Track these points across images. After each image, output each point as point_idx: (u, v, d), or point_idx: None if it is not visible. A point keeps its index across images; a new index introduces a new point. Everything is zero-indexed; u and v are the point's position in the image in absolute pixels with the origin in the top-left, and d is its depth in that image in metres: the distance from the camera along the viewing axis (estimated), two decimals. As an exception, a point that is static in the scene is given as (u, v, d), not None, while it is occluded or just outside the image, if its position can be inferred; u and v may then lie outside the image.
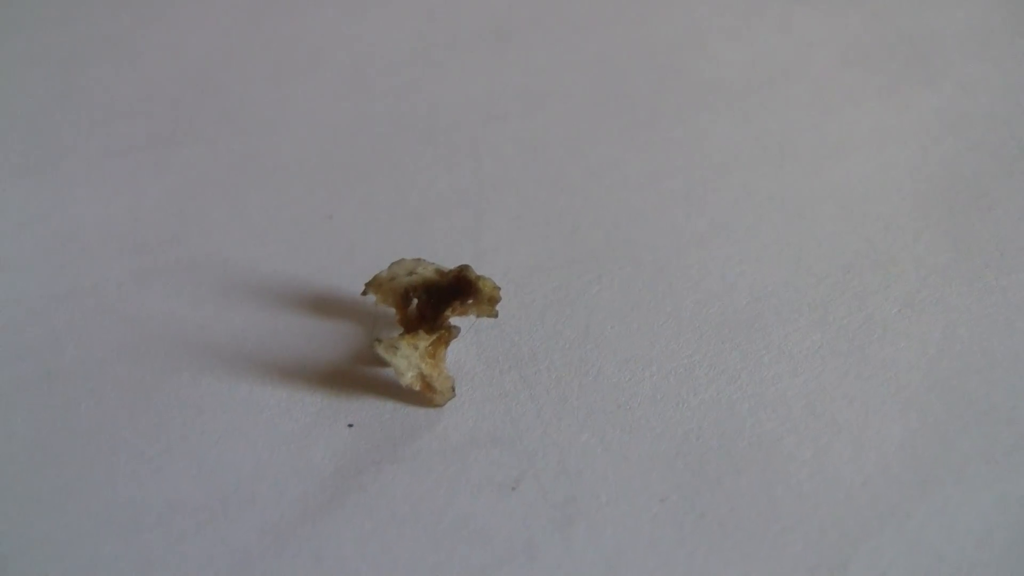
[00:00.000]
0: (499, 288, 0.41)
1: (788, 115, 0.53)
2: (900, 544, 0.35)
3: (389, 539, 0.36)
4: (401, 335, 0.40)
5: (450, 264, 0.42)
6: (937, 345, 0.41)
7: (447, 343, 0.40)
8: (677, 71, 0.58)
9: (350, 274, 0.45)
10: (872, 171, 0.50)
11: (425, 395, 0.40)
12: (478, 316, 0.41)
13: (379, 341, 0.39)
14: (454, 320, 0.41)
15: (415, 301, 0.42)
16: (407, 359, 0.39)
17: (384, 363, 0.40)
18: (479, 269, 0.42)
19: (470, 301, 0.41)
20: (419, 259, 0.42)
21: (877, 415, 0.39)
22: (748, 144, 0.52)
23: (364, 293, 0.42)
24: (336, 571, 0.35)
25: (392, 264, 0.42)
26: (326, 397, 0.41)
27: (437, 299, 0.41)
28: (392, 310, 0.43)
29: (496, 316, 0.41)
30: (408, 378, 0.39)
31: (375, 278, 0.42)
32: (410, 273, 0.42)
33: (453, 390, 0.40)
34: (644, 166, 0.51)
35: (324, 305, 0.44)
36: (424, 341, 0.39)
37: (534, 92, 0.58)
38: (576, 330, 0.43)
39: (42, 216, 0.50)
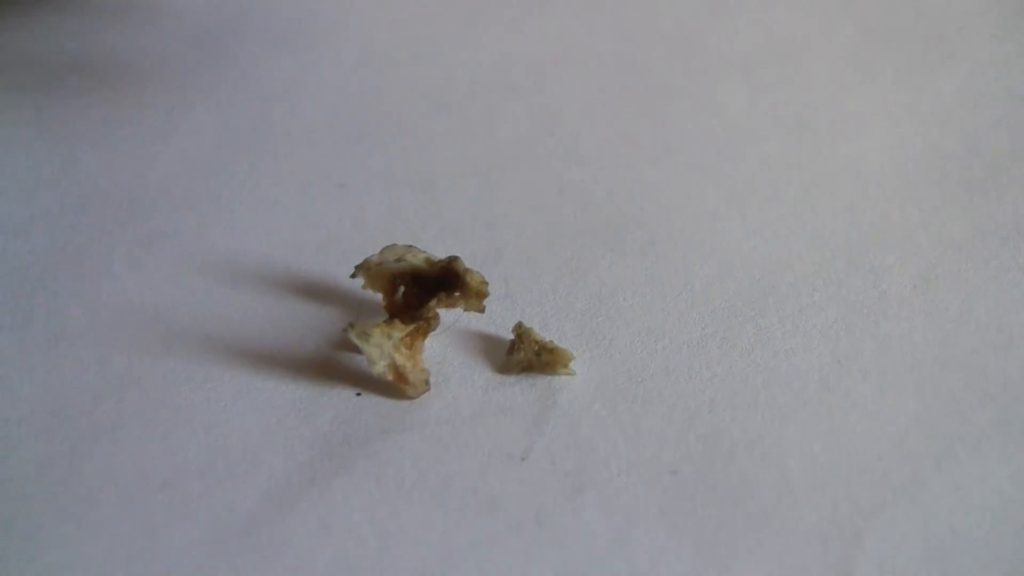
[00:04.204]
0: (487, 283, 0.40)
1: (805, 90, 0.53)
2: (914, 518, 0.34)
3: (397, 506, 0.35)
4: (380, 322, 0.39)
5: (455, 249, 0.41)
6: (953, 321, 0.41)
7: (425, 334, 0.39)
8: (693, 44, 0.58)
9: (359, 245, 0.45)
10: (889, 147, 0.49)
11: (397, 386, 0.39)
12: (465, 309, 0.41)
13: (352, 326, 0.38)
14: (445, 311, 0.40)
15: (402, 288, 0.41)
16: (379, 348, 0.38)
17: (358, 349, 0.39)
18: (492, 238, 0.42)
19: (457, 294, 0.40)
20: (410, 246, 0.41)
21: (892, 390, 0.38)
22: (764, 118, 0.51)
23: (353, 276, 0.41)
24: (343, 537, 0.34)
25: (383, 249, 0.41)
26: (326, 369, 0.40)
27: (424, 288, 0.41)
28: (380, 295, 0.42)
29: (483, 311, 0.40)
30: (380, 367, 0.38)
31: (365, 262, 0.41)
32: (398, 259, 0.41)
33: (427, 383, 0.39)
34: (659, 138, 0.51)
35: (320, 283, 0.44)
36: (399, 331, 0.38)
37: (549, 63, 0.57)
38: (588, 301, 0.42)
39: (51, 181, 0.50)
